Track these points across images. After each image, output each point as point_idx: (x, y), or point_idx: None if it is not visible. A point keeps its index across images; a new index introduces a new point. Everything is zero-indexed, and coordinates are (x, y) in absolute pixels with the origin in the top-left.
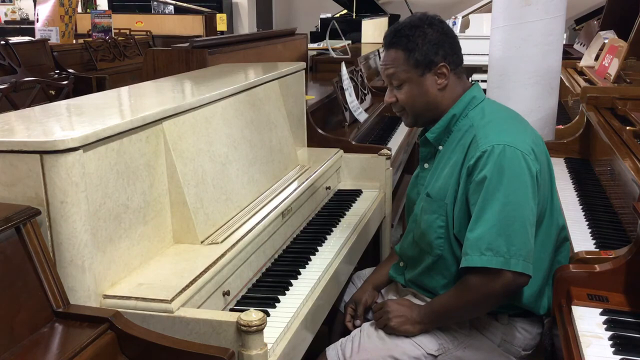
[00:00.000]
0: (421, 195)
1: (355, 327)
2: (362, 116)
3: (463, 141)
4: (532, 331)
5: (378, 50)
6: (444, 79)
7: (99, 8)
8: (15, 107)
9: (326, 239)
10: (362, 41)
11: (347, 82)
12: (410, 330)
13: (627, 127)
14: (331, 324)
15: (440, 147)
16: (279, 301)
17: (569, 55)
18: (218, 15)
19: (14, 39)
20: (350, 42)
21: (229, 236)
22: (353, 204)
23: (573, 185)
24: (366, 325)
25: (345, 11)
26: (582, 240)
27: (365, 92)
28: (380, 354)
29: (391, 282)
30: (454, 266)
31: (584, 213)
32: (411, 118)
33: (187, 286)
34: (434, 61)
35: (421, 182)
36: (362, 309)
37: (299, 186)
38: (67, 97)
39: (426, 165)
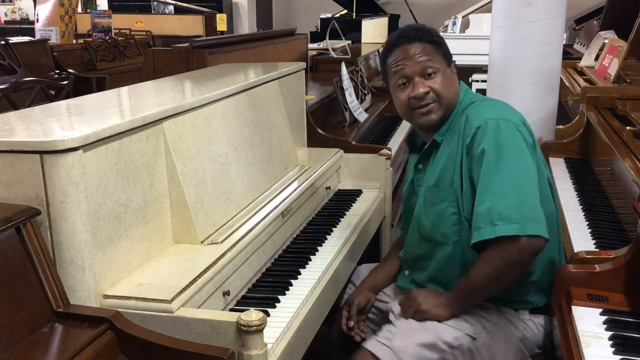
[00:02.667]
0: (421, 192)
1: (349, 328)
2: (362, 116)
3: (455, 127)
4: (547, 329)
5: (378, 50)
6: (455, 75)
7: (99, 8)
8: (15, 107)
9: (326, 239)
10: (362, 41)
11: (347, 82)
12: (442, 314)
13: (627, 127)
14: (331, 323)
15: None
16: (279, 301)
17: (569, 55)
18: (218, 15)
19: (14, 39)
20: (350, 42)
21: (229, 236)
22: (353, 204)
23: (573, 185)
24: (394, 319)
25: (345, 11)
26: (582, 240)
27: (365, 92)
28: (423, 335)
29: (388, 285)
30: (470, 250)
31: (584, 213)
32: (441, 110)
33: (187, 286)
34: (451, 58)
35: (418, 183)
36: (355, 309)
37: (299, 186)
38: (67, 97)
39: (420, 166)
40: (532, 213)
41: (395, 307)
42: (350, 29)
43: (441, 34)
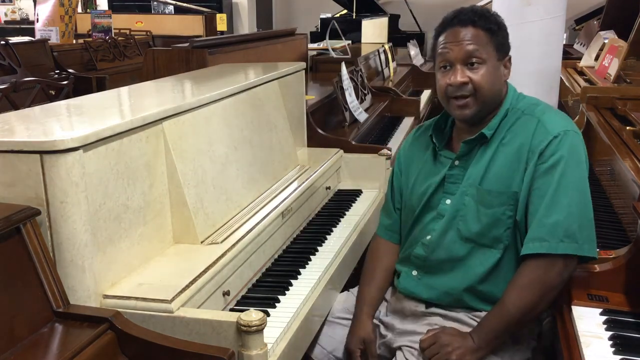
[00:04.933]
0: (463, 190)
1: None
2: (362, 116)
3: (519, 128)
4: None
5: (378, 50)
6: (507, 72)
7: (99, 8)
8: (15, 107)
9: (326, 239)
10: (362, 41)
11: (347, 82)
12: None
13: (627, 127)
14: None
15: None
16: (279, 301)
17: (569, 55)
18: (218, 15)
19: (14, 39)
20: (350, 42)
21: (229, 236)
22: (353, 204)
23: None
24: None
25: (345, 11)
26: None
27: (365, 92)
28: None
29: (380, 303)
30: (517, 255)
31: None
32: (477, 106)
33: (187, 286)
34: (507, 51)
35: (452, 180)
36: (374, 347)
37: (299, 186)
38: (67, 97)
39: (457, 162)
40: (590, 234)
41: (403, 342)
42: (350, 29)
43: None
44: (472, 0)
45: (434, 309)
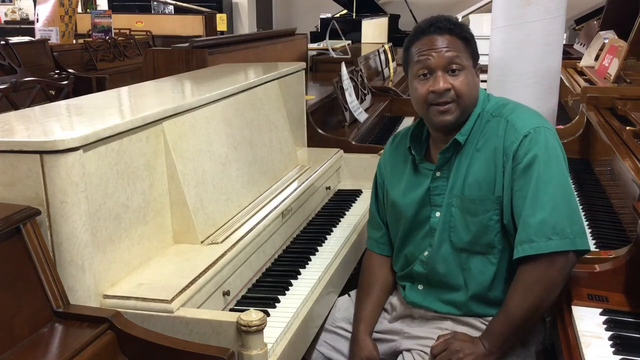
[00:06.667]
0: (448, 202)
1: None
2: (362, 116)
3: (490, 131)
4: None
5: (378, 50)
6: (479, 80)
7: (99, 8)
8: (15, 107)
9: (326, 239)
10: (362, 41)
11: (347, 82)
12: None
13: (627, 127)
14: None
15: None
16: (279, 301)
17: (569, 55)
18: (218, 15)
19: (14, 39)
20: (350, 42)
21: (229, 236)
22: (353, 204)
23: (573, 186)
24: None
25: (345, 11)
26: None
27: (365, 92)
28: None
29: (379, 316)
30: (510, 258)
31: (584, 213)
32: (458, 112)
33: (187, 286)
34: (478, 59)
35: (437, 192)
36: None
37: (299, 186)
38: (67, 97)
39: (438, 174)
40: (580, 227)
41: (412, 345)
42: (350, 29)
43: None
44: (470, 1)
45: (444, 314)
